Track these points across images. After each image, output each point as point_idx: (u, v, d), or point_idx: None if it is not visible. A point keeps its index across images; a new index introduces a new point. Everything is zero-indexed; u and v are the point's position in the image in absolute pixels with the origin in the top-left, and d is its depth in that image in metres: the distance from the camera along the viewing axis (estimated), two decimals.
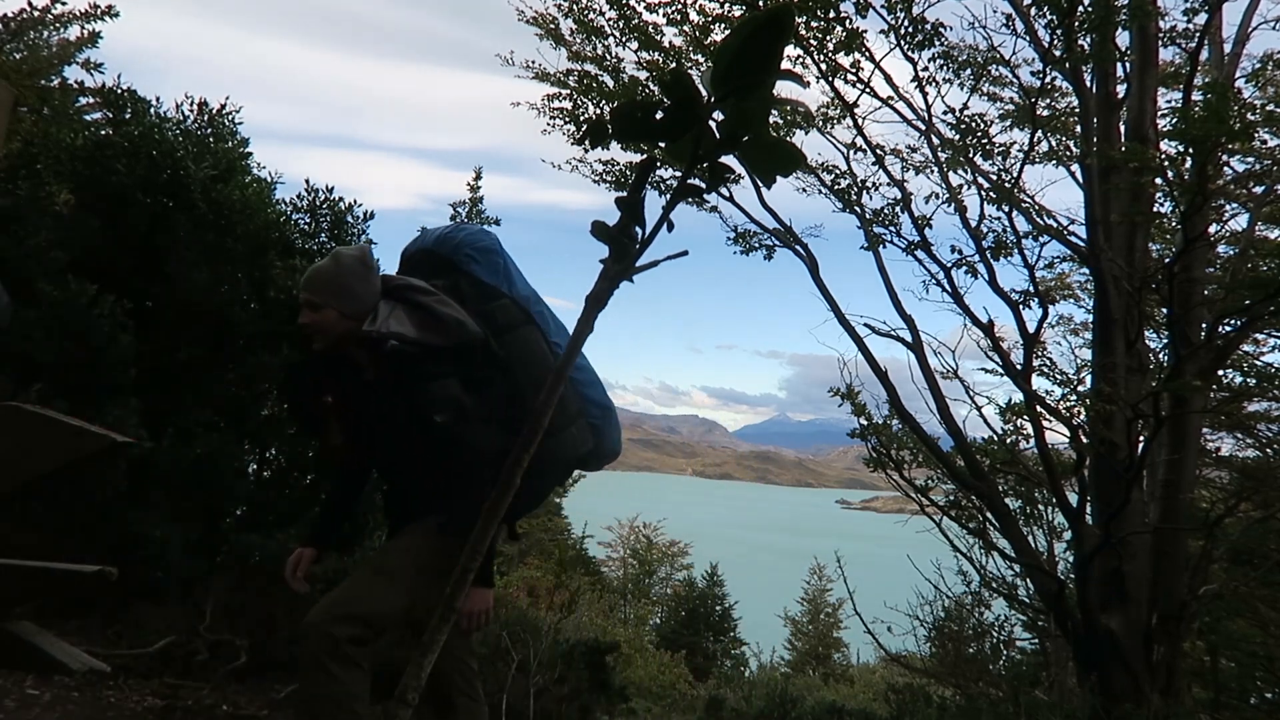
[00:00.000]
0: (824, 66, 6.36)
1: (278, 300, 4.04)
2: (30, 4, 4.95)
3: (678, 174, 1.13)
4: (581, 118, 7.49)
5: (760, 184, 5.65)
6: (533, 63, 7.43)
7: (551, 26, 7.13)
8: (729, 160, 1.15)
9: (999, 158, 6.52)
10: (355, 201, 4.68)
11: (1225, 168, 6.76)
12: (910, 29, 6.01)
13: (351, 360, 2.32)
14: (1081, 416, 5.83)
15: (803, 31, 6.00)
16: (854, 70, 6.41)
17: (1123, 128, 6.52)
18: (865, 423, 6.88)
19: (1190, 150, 4.85)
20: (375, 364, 2.27)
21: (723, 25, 6.19)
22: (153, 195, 3.96)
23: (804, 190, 7.42)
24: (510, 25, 7.45)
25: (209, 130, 4.42)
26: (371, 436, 2.37)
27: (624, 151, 7.43)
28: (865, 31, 6.04)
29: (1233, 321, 5.76)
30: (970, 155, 6.41)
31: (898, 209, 6.71)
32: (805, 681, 11.14)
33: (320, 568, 3.46)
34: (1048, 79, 6.32)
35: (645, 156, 1.28)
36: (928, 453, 6.81)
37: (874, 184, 6.95)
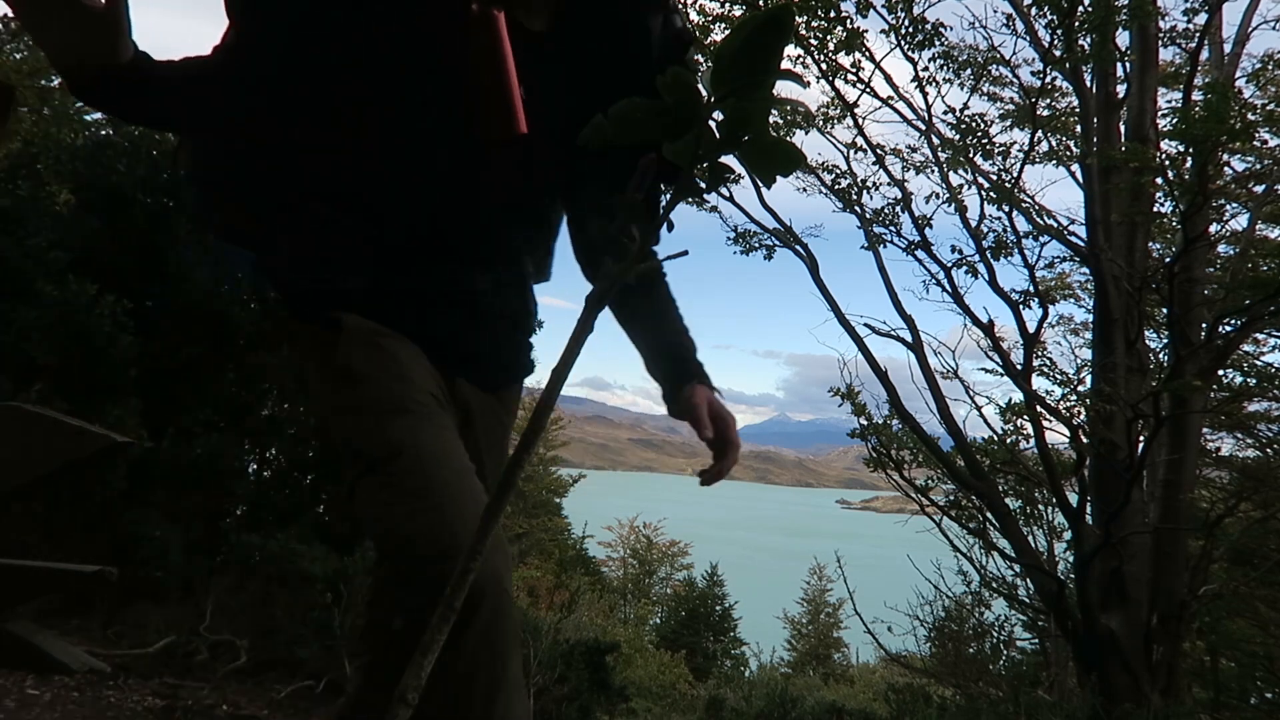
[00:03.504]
0: (824, 66, 6.37)
1: (278, 300, 4.03)
2: None
3: None
4: None
5: (760, 184, 5.64)
6: None
7: None
8: (729, 160, 1.15)
9: (999, 158, 6.54)
10: None
11: (1225, 168, 6.76)
12: (910, 29, 6.02)
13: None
14: (1081, 416, 5.84)
15: (803, 31, 6.01)
16: (854, 70, 6.42)
17: (1123, 128, 6.52)
18: (865, 423, 6.88)
19: (1190, 150, 4.86)
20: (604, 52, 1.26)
21: (723, 25, 6.19)
22: (153, 195, 3.97)
23: (804, 190, 7.43)
24: None
25: None
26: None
27: None
28: (865, 31, 6.06)
29: (1233, 321, 5.76)
30: (970, 155, 6.42)
31: (898, 209, 6.72)
32: (805, 681, 11.13)
33: (321, 568, 3.46)
34: (1048, 79, 6.33)
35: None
36: (928, 453, 6.81)
37: (874, 184, 6.97)
